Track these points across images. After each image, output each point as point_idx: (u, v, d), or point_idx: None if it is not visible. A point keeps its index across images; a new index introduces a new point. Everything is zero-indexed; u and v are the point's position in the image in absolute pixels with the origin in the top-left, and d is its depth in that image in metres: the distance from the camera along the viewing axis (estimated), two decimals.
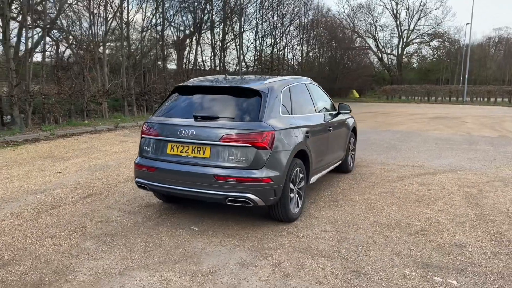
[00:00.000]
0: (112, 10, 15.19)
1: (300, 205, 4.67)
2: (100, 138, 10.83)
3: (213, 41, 21.51)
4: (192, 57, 21.36)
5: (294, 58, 30.09)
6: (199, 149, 4.10)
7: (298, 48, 33.00)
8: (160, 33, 18.13)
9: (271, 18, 25.40)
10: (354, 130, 7.15)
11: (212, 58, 21.69)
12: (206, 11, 20.84)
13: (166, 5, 18.79)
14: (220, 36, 21.57)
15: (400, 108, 26.83)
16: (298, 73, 30.39)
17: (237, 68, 22.87)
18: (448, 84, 47.45)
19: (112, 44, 16.89)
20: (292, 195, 4.46)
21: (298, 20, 29.03)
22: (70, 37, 15.03)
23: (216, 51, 21.68)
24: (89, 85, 13.51)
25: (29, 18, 12.28)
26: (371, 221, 4.60)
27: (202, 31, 21.14)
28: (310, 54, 33.13)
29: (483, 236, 4.21)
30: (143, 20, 17.34)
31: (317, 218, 4.67)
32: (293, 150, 4.34)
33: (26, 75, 11.53)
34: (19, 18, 12.70)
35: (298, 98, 5.09)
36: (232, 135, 3.98)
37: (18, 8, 12.66)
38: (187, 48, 21.53)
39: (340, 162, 6.49)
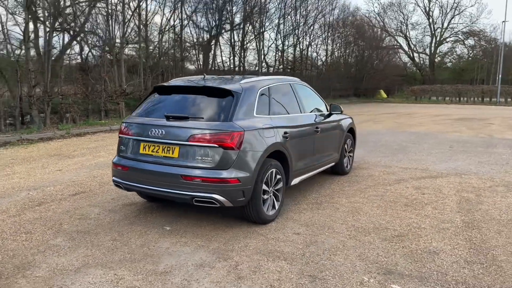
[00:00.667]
0: (130, 11, 15.55)
1: (277, 207, 4.60)
2: (112, 137, 11.09)
3: (232, 41, 21.59)
4: (211, 57, 21.62)
5: (318, 57, 29.74)
6: (168, 149, 4.11)
7: (323, 47, 32.65)
8: (179, 34, 18.38)
9: (293, 16, 25.17)
10: (351, 131, 6.99)
11: (231, 58, 21.79)
12: (227, 11, 20.93)
13: (187, 6, 19.03)
14: (240, 36, 21.61)
15: (427, 109, 26.03)
16: (323, 73, 30.10)
17: (257, 68, 22.83)
18: (483, 84, 45.58)
19: (131, 46, 17.26)
20: (266, 196, 4.40)
21: (322, 18, 28.68)
22: (91, 39, 15.48)
23: (235, 51, 21.75)
24: (106, 85, 13.87)
25: (47, 21, 12.74)
26: (349, 225, 4.47)
27: (225, 31, 21.28)
28: (336, 53, 32.68)
29: (463, 243, 4.01)
30: (161, 21, 17.65)
31: (294, 221, 4.59)
32: (266, 151, 4.29)
33: (46, 76, 11.97)
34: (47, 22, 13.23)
35: (280, 99, 5.02)
36: (199, 135, 3.97)
37: (45, 11, 13.15)
38: (213, 49, 21.77)
39: (333, 163, 6.36)
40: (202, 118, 4.13)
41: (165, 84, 4.78)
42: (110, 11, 14.93)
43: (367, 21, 41.86)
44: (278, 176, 4.60)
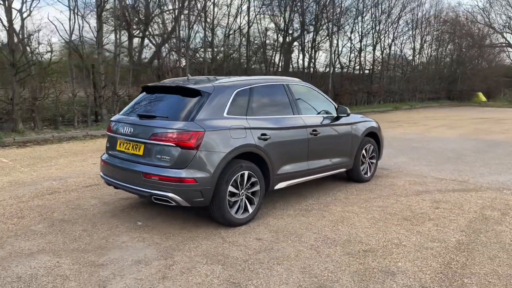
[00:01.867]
0: (197, 13, 16.27)
1: (250, 210, 4.48)
2: None
3: (302, 41, 21.30)
4: (289, 58, 21.60)
5: (403, 57, 27.79)
6: (135, 146, 4.26)
7: (408, 46, 30.50)
8: (246, 35, 18.72)
9: (372, 13, 23.86)
10: (373, 136, 6.48)
11: (301, 59, 21.51)
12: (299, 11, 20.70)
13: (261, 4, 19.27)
14: (312, 36, 21.19)
15: None
16: (408, 73, 28.19)
17: (327, 69, 22.21)
18: None
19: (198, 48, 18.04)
20: (234, 199, 4.31)
21: (409, 14, 26.76)
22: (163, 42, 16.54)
23: (305, 51, 21.43)
24: None
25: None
26: (321, 235, 4.18)
27: (308, 32, 20.98)
28: (425, 52, 30.30)
29: (435, 266, 3.50)
30: (227, 23, 18.14)
31: (267, 226, 4.43)
32: (232, 152, 4.20)
33: (116, 78, 13.12)
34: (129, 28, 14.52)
35: (265, 100, 4.89)
36: (159, 134, 4.05)
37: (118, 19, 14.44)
38: (294, 51, 21.76)
39: (343, 169, 5.97)
40: (167, 117, 4.20)
41: (149, 84, 4.95)
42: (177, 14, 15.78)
43: (470, 16, 38.11)
44: (254, 179, 4.47)
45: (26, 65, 11.15)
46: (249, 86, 4.72)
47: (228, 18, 18.33)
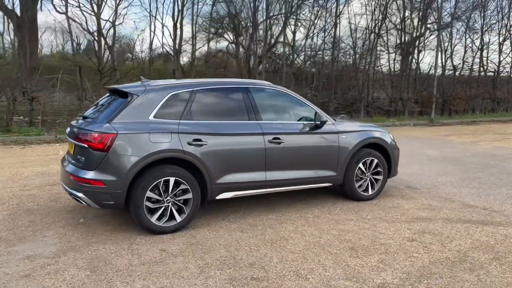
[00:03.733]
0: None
1: (179, 219, 4.26)
2: None
3: (400, 39, 19.38)
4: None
5: None
6: (71, 147, 4.42)
7: None
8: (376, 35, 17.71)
9: (499, 3, 20.30)
10: (378, 148, 5.57)
11: (392, 60, 19.58)
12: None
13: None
14: (415, 33, 19.12)
15: None
16: None
17: (431, 72, 19.73)
18: None
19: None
20: (156, 205, 4.15)
21: None
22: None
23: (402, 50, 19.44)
24: None
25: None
26: (231, 254, 3.76)
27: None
28: None
29: None
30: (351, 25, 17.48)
31: (189, 237, 4.16)
32: (149, 156, 4.05)
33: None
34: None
35: (211, 103, 4.60)
36: (80, 135, 4.13)
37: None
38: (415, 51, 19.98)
39: (328, 184, 5.26)
40: (93, 118, 4.26)
41: (107, 86, 5.08)
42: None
43: None
44: (184, 186, 4.25)
45: (109, 70, 12.51)
46: (191, 89, 4.50)
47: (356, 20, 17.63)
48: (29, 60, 15.49)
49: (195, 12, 14.75)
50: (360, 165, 5.41)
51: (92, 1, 12.28)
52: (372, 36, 18.34)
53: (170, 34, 14.79)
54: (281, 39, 18.10)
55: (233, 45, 18.42)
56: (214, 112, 4.61)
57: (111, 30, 12.49)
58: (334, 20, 17.64)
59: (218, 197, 4.53)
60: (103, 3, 12.40)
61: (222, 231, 4.35)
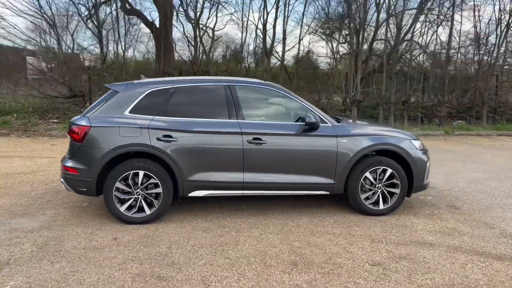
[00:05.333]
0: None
1: (148, 212, 4.40)
2: None
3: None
4: None
5: None
6: None
7: None
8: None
9: None
10: (395, 156, 4.81)
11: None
12: None
13: None
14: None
15: None
16: None
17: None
18: None
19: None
20: (126, 196, 4.37)
21: None
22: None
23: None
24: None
25: None
26: (159, 253, 3.75)
27: None
28: None
29: None
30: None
31: (149, 230, 4.26)
32: (116, 149, 4.28)
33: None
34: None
35: (190, 101, 4.60)
36: (69, 128, 4.59)
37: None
38: None
39: (323, 192, 4.75)
40: (83, 113, 4.69)
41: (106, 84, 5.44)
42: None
43: None
44: (154, 181, 4.38)
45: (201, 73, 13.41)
46: (169, 86, 4.59)
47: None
48: (163, 65, 17.55)
49: (287, 13, 14.72)
50: (367, 174, 4.76)
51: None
52: (502, 28, 15.59)
53: (261, 34, 15.10)
54: (408, 36, 16.79)
55: (343, 45, 17.79)
56: (192, 109, 4.60)
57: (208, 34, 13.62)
58: (451, 11, 15.48)
59: (190, 195, 4.53)
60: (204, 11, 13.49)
61: (187, 229, 4.34)
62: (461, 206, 5.32)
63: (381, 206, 4.84)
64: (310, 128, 4.64)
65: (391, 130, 5.14)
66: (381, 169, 4.78)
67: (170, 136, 4.38)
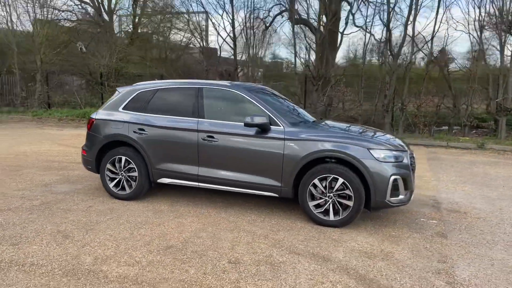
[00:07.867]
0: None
1: (127, 190, 5.34)
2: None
3: None
4: None
5: None
6: None
7: None
8: None
9: None
10: (350, 166, 4.43)
11: None
12: None
13: None
14: None
15: None
16: None
17: None
18: None
19: None
20: (114, 176, 5.42)
21: None
22: None
23: None
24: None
25: None
26: (97, 222, 4.62)
27: None
28: None
29: None
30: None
31: (122, 205, 5.16)
32: (106, 137, 5.39)
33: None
34: None
35: (167, 101, 5.31)
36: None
37: None
38: None
39: (272, 194, 4.74)
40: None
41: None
42: None
43: None
44: (131, 165, 5.33)
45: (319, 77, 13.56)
46: (154, 88, 5.43)
47: None
48: (325, 69, 18.00)
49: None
50: (316, 181, 4.53)
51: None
52: None
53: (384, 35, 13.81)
54: None
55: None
56: (166, 108, 5.29)
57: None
58: None
59: (158, 181, 5.27)
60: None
61: (150, 208, 5.09)
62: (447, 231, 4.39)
63: (331, 217, 4.52)
64: (263, 130, 4.73)
65: (360, 137, 4.66)
66: (331, 178, 4.48)
67: (143, 130, 5.24)
